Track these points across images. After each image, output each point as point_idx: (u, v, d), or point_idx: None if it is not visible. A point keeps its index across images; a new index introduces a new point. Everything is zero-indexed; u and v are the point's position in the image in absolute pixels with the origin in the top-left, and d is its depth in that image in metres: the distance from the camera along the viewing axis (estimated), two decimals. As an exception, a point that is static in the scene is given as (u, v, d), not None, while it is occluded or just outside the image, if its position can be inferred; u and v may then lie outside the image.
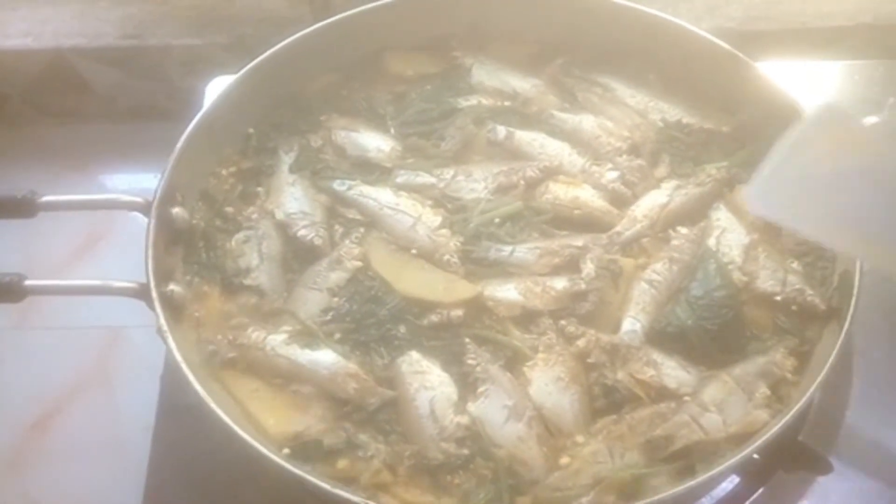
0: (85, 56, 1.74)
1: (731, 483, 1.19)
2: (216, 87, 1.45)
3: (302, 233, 1.25)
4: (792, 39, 1.65)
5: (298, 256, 1.25)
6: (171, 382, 1.26)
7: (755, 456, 1.09)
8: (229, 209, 1.29)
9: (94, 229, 1.71)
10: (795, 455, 1.18)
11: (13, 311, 1.59)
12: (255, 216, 1.28)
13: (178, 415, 1.24)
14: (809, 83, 1.48)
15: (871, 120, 1.35)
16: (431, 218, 1.25)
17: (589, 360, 1.14)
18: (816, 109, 1.06)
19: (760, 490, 1.19)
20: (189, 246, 1.25)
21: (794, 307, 1.19)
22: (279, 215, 1.27)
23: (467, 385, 1.14)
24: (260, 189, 1.31)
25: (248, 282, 1.22)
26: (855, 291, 1.13)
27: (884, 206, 1.04)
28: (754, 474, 1.19)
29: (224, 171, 1.32)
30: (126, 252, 1.60)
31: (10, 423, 1.52)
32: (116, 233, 1.71)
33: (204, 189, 1.29)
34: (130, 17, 1.73)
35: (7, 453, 1.49)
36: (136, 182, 1.81)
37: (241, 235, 1.26)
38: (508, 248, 1.22)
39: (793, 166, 1.04)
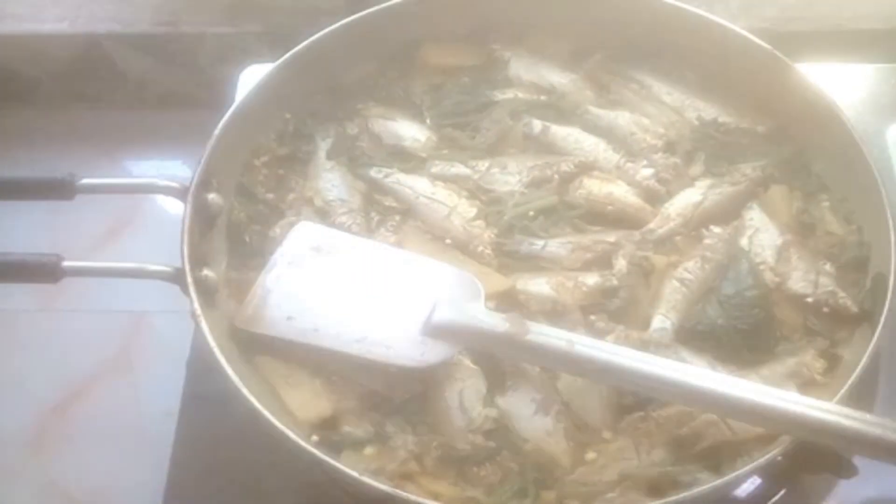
0: (119, 42, 1.74)
1: (752, 484, 1.18)
2: (250, 76, 1.45)
3: (340, 220, 1.26)
4: (826, 41, 1.64)
5: (338, 244, 1.25)
6: (198, 368, 1.26)
7: (778, 457, 1.09)
8: (270, 196, 1.29)
9: (120, 215, 1.72)
10: (819, 457, 1.17)
11: (38, 293, 1.61)
12: (296, 203, 1.29)
13: (204, 401, 1.24)
14: (844, 86, 1.47)
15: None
16: (467, 209, 1.25)
17: (618, 357, 1.14)
18: (295, 229, 1.22)
19: (782, 492, 1.18)
20: (234, 237, 1.26)
21: (825, 309, 1.18)
22: (318, 202, 1.28)
23: (496, 378, 1.14)
24: (297, 177, 1.32)
25: None
26: (889, 295, 1.12)
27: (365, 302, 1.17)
28: (777, 475, 1.18)
29: (257, 162, 1.32)
30: (153, 238, 1.62)
31: (31, 405, 1.52)
32: (142, 219, 1.72)
33: (240, 182, 1.30)
34: (165, 4, 1.73)
35: (28, 435, 1.50)
36: (163, 169, 1.82)
37: (284, 221, 1.26)
38: (541, 243, 1.22)
39: (278, 282, 1.18)
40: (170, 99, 1.84)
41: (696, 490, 1.03)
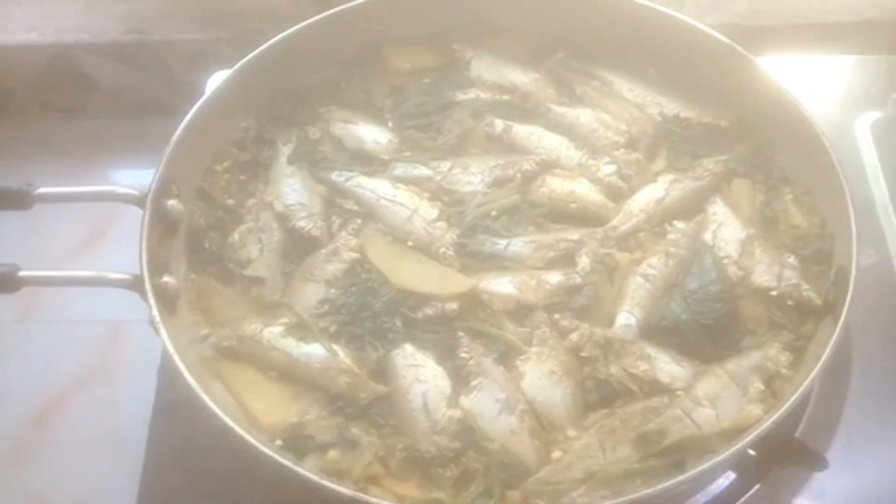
0: (89, 51, 1.74)
1: (726, 479, 1.19)
2: (216, 81, 1.45)
3: (300, 224, 1.25)
4: (796, 34, 1.65)
5: (297, 248, 1.25)
6: (168, 375, 1.25)
7: (751, 452, 1.09)
8: (230, 202, 1.29)
9: (95, 225, 1.71)
10: (791, 451, 1.17)
11: (15, 305, 1.60)
12: (255, 208, 1.28)
13: (175, 408, 1.24)
14: (813, 78, 1.47)
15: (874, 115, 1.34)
16: (428, 210, 1.25)
17: (582, 354, 1.14)
18: None
19: (756, 487, 1.18)
20: (193, 243, 1.26)
21: (789, 302, 1.18)
22: (278, 207, 1.27)
23: (460, 379, 1.14)
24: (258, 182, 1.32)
25: (248, 272, 1.22)
26: (851, 287, 1.12)
27: None
28: (750, 471, 1.18)
29: (218, 167, 1.32)
30: (128, 247, 1.61)
31: (11, 417, 1.52)
32: (117, 228, 1.71)
33: (200, 187, 1.30)
34: (134, 13, 1.73)
35: (8, 446, 1.49)
36: (139, 177, 1.78)
37: (243, 227, 1.27)
38: (504, 242, 1.22)
39: None
40: (143, 107, 1.84)
41: (661, 486, 1.02)
